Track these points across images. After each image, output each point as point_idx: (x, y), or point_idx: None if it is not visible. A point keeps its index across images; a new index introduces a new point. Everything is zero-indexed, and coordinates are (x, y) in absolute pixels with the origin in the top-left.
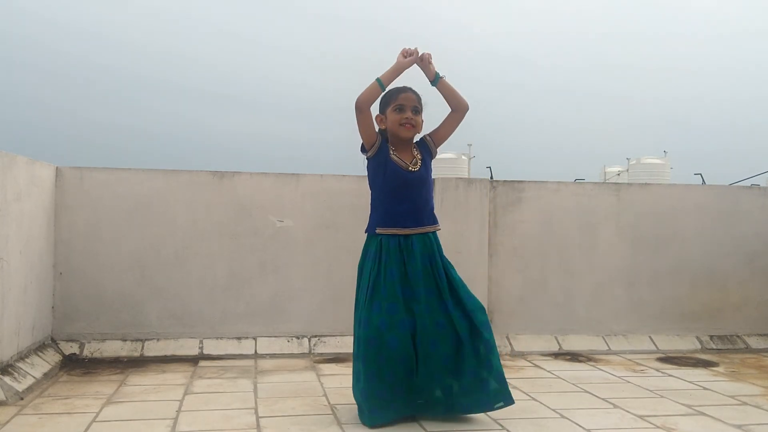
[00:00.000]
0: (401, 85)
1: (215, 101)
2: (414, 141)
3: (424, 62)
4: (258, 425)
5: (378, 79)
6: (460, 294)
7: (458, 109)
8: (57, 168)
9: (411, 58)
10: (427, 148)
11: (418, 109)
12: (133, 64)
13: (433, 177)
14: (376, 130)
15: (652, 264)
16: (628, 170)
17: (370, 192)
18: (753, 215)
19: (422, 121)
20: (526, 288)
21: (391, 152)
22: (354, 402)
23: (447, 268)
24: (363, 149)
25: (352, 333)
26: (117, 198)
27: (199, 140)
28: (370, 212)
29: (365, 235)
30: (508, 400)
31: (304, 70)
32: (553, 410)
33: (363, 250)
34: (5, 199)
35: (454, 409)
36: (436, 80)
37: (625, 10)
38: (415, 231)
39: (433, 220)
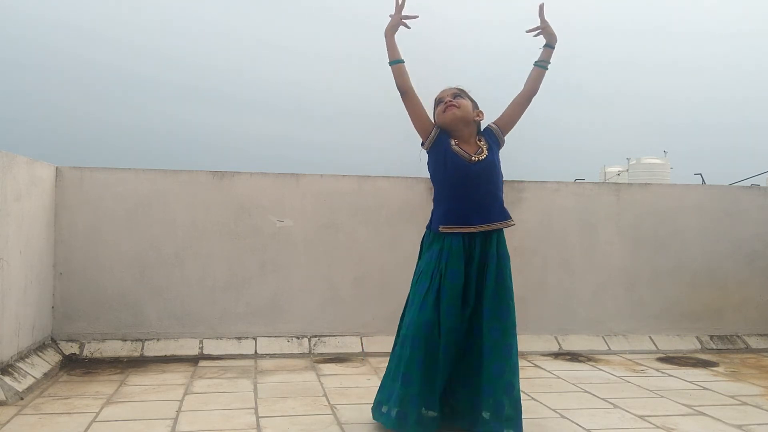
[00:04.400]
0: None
1: (215, 101)
2: (479, 130)
3: (544, 24)
4: (258, 425)
5: (389, 63)
6: (499, 306)
7: (532, 92)
8: (57, 168)
9: (393, 16)
10: (494, 137)
11: (458, 94)
12: (133, 64)
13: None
14: (431, 118)
15: (652, 264)
16: (628, 170)
17: (432, 187)
18: (753, 215)
19: (478, 110)
20: (526, 288)
21: (453, 144)
22: (353, 402)
23: (499, 275)
24: (422, 143)
25: (352, 334)
26: (117, 198)
27: (199, 140)
28: (432, 208)
29: (364, 235)
30: (518, 430)
31: (304, 70)
32: (553, 410)
33: (423, 245)
34: (5, 199)
35: (457, 423)
36: (546, 62)
37: (625, 10)
38: (480, 228)
39: (504, 215)
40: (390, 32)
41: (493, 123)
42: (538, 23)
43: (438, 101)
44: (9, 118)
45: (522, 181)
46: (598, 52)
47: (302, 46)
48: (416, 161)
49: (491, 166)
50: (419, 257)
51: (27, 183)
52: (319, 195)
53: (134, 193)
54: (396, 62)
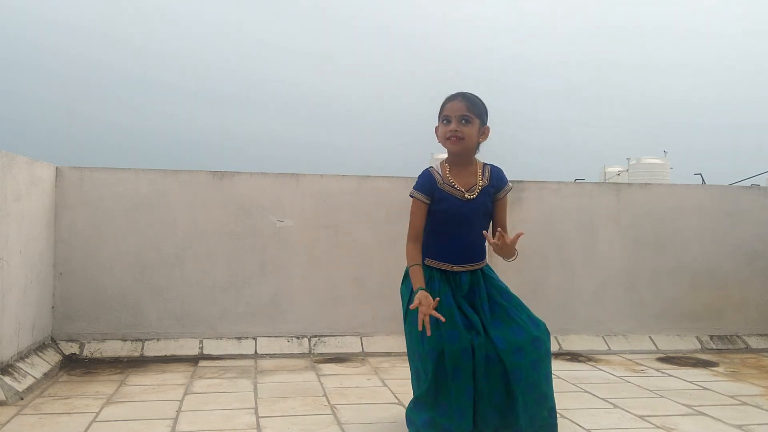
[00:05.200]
0: (453, 93)
1: (215, 101)
2: (489, 166)
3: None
4: (258, 425)
5: (407, 268)
6: (507, 327)
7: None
8: (57, 168)
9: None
10: (497, 185)
11: (468, 118)
12: (133, 64)
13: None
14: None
15: (652, 264)
16: (628, 170)
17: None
18: (753, 215)
19: (486, 128)
20: (526, 288)
21: (444, 179)
22: (353, 402)
23: (501, 294)
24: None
25: (352, 334)
26: (117, 198)
27: (199, 140)
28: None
29: (364, 235)
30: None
31: (304, 70)
32: None
33: (406, 275)
34: (5, 199)
35: None
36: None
37: (625, 10)
38: (464, 268)
39: (482, 256)
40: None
41: (508, 186)
42: (537, 25)
43: (444, 119)
44: (9, 118)
45: (522, 181)
46: (599, 52)
47: (302, 46)
48: (416, 162)
49: (483, 209)
50: (403, 281)
51: (27, 183)
52: (319, 195)
53: (134, 193)
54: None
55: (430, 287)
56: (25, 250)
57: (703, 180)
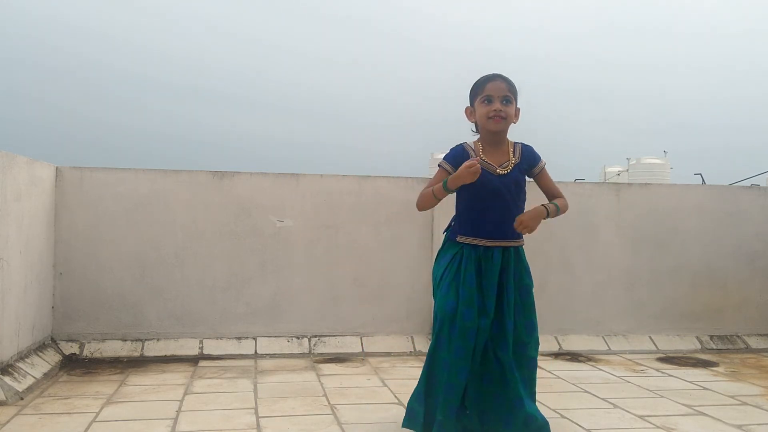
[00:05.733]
0: (490, 73)
1: (215, 101)
2: (520, 144)
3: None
4: (258, 425)
5: (433, 190)
6: (525, 322)
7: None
8: (57, 168)
9: (472, 173)
10: (530, 161)
11: (509, 99)
12: (133, 64)
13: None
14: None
15: (652, 264)
16: (628, 170)
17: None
18: (753, 215)
19: (518, 109)
20: None
21: (478, 153)
22: (353, 402)
23: (522, 291)
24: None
25: (352, 334)
26: (117, 198)
27: (199, 140)
28: (453, 215)
29: (364, 235)
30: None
31: (304, 70)
32: (553, 410)
33: (440, 253)
34: (5, 199)
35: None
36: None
37: (625, 10)
38: (497, 243)
39: (517, 234)
40: (463, 182)
41: (542, 162)
42: (537, 25)
43: (485, 98)
44: (9, 118)
45: None
46: (599, 52)
47: (302, 46)
48: (417, 162)
49: (515, 184)
50: (435, 260)
51: (27, 183)
52: (319, 195)
53: (134, 193)
54: (438, 194)
55: (456, 265)
56: (25, 250)
57: (703, 180)
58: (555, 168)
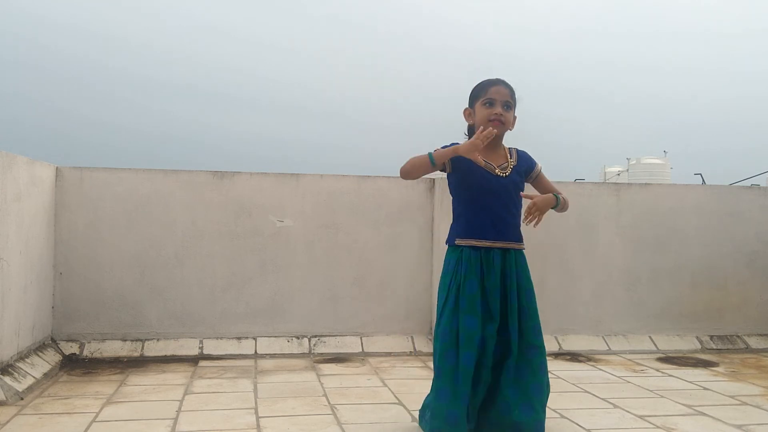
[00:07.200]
0: (494, 77)
1: (215, 101)
2: (515, 149)
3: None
4: (258, 425)
5: (430, 154)
6: (524, 324)
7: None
8: (57, 168)
9: (485, 136)
10: (526, 166)
11: (510, 105)
12: (133, 64)
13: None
14: (440, 165)
15: (652, 264)
16: (628, 170)
17: (451, 200)
18: (753, 215)
19: (515, 117)
20: None
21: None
22: (353, 402)
23: (521, 294)
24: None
25: (352, 334)
26: (117, 198)
27: (199, 140)
28: (451, 222)
29: (364, 235)
30: None
31: (303, 70)
32: (553, 410)
33: (444, 261)
34: (5, 199)
35: None
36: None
37: (625, 11)
38: (497, 244)
39: (517, 237)
40: (463, 154)
41: (538, 166)
42: (537, 25)
43: (487, 101)
44: (9, 118)
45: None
46: (599, 52)
47: (302, 46)
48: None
49: (514, 186)
50: (443, 272)
51: (27, 183)
52: (319, 195)
53: (134, 193)
54: (433, 161)
55: (458, 272)
56: (25, 250)
57: (703, 180)
58: (555, 168)
